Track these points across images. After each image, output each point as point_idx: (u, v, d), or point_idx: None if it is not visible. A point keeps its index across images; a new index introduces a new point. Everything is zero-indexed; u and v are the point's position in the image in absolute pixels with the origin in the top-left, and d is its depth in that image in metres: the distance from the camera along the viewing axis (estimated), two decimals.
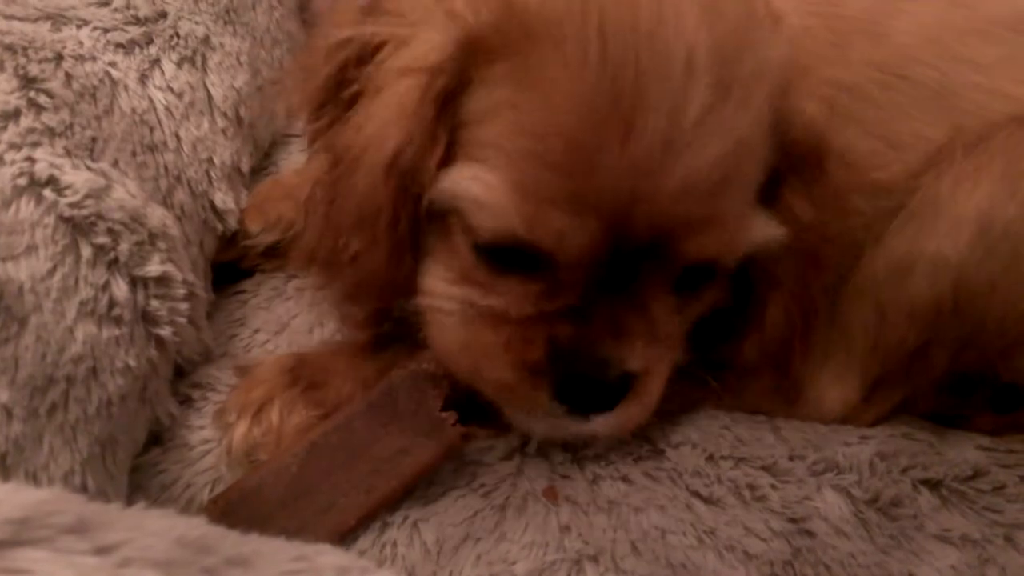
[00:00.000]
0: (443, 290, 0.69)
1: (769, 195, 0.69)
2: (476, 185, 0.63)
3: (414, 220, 0.68)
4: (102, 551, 0.39)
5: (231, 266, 0.92)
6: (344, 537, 0.69)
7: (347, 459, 0.70)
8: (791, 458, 0.77)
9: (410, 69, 0.65)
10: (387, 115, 0.65)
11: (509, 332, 0.67)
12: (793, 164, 0.69)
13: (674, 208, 0.62)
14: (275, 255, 0.93)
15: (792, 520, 0.73)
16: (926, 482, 0.77)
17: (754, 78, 0.63)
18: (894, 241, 0.75)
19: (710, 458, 0.77)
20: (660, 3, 0.61)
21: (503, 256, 0.65)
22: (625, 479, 0.75)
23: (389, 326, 0.77)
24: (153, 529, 0.42)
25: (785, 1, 0.77)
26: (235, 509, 0.68)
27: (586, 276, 0.64)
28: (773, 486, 0.75)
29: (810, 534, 0.72)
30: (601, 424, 0.68)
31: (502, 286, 0.66)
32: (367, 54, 0.67)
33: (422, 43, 0.65)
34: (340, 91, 0.69)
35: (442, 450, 0.71)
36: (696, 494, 0.75)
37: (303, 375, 0.76)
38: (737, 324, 0.76)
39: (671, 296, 0.68)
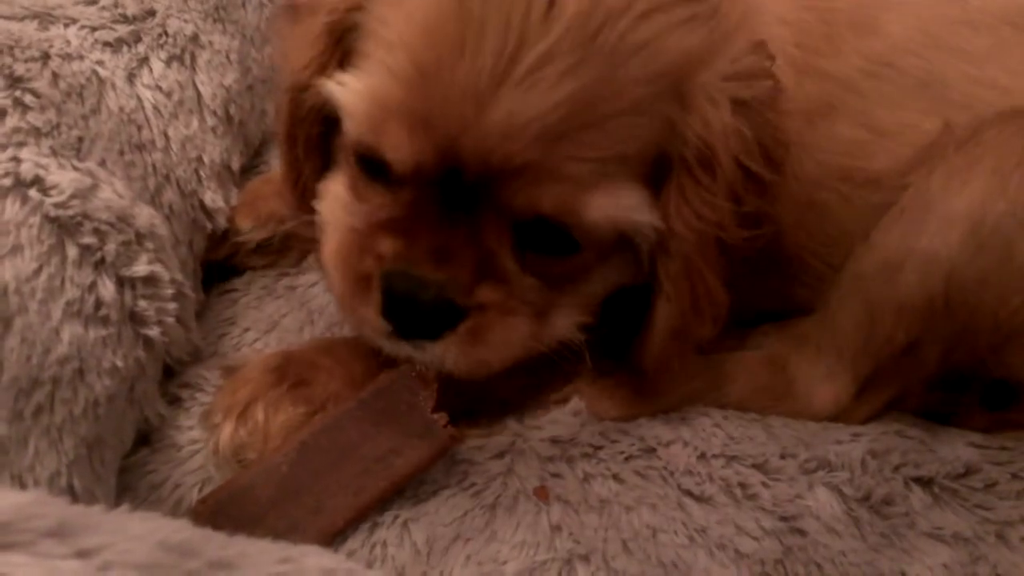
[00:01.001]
0: (332, 200, 0.73)
1: (657, 185, 0.68)
2: (341, 91, 0.66)
3: (320, 135, 0.74)
4: (83, 555, 0.39)
5: (221, 265, 0.91)
6: (333, 538, 0.69)
7: (337, 460, 0.70)
8: (782, 456, 0.77)
9: (320, 5, 0.71)
10: (295, 45, 0.73)
11: (354, 242, 0.69)
12: (683, 162, 0.67)
13: (500, 145, 0.61)
14: (266, 252, 0.93)
15: (783, 518, 0.73)
16: (918, 480, 0.76)
17: (634, 52, 0.62)
18: (884, 238, 0.75)
19: (701, 456, 0.77)
20: None
21: (369, 165, 0.68)
22: (616, 478, 0.75)
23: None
24: (135, 532, 0.42)
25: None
26: (224, 509, 0.68)
27: (420, 194, 0.65)
28: (764, 484, 0.75)
29: (801, 532, 0.72)
30: (430, 352, 0.68)
31: (367, 196, 0.69)
32: None
33: None
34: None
35: (433, 451, 0.71)
36: (687, 493, 0.74)
37: (289, 373, 0.76)
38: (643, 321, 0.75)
39: (509, 244, 0.67)
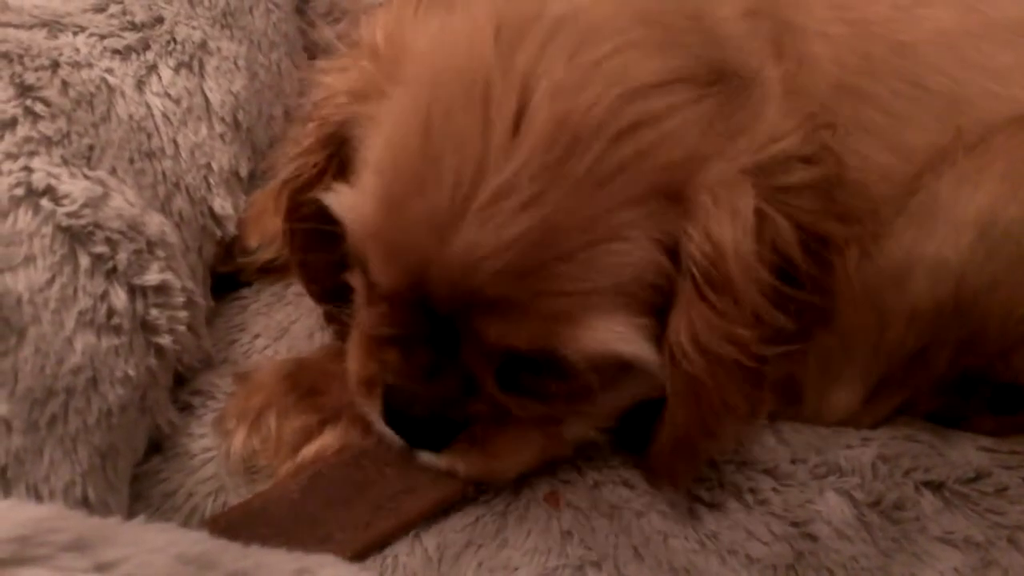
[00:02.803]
0: (358, 294, 0.72)
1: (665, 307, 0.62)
2: (337, 201, 0.64)
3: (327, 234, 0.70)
4: (102, 568, 0.39)
5: (230, 275, 0.92)
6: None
7: (350, 494, 0.70)
8: (793, 461, 0.77)
9: (318, 114, 0.70)
10: (292, 152, 0.73)
11: (365, 348, 0.70)
12: (690, 279, 0.60)
13: (462, 280, 0.58)
14: (272, 270, 0.92)
15: (794, 524, 0.73)
16: (928, 484, 0.76)
17: (611, 176, 0.57)
18: (894, 243, 0.74)
19: (712, 462, 0.77)
20: (511, 51, 0.57)
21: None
22: (627, 484, 0.75)
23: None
24: (154, 545, 0.42)
25: (815, 10, 0.75)
26: (235, 529, 0.67)
27: (409, 314, 0.64)
28: (775, 489, 0.75)
29: (812, 538, 0.72)
30: (430, 461, 0.70)
31: (373, 301, 0.69)
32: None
33: (326, 89, 0.70)
34: None
35: (446, 495, 0.71)
36: (698, 498, 0.74)
37: (302, 381, 0.76)
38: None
39: (491, 370, 0.64)
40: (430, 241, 0.58)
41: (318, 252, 0.75)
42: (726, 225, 0.58)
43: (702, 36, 0.63)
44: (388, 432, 0.70)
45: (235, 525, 0.68)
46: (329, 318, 0.83)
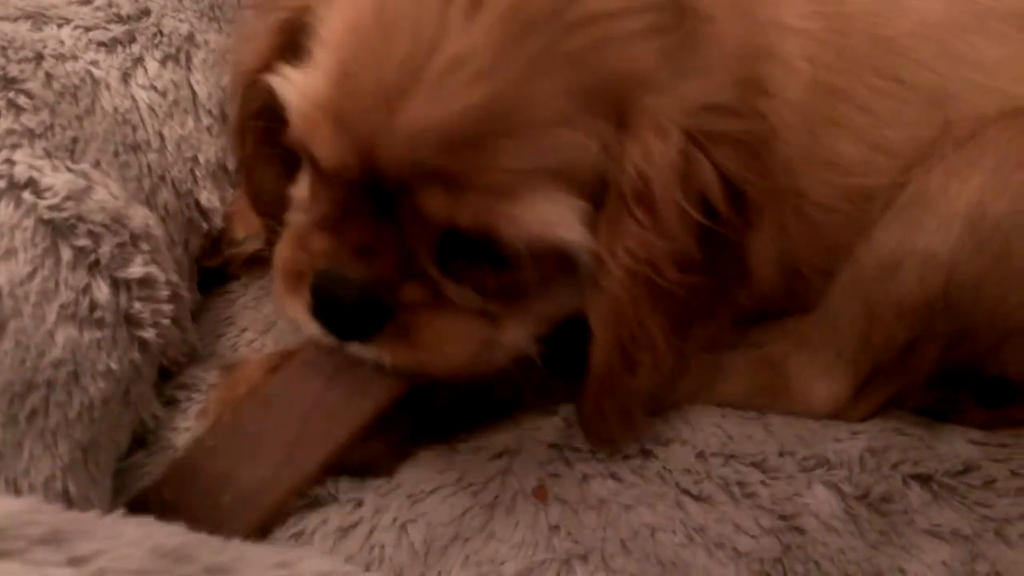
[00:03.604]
0: (296, 204, 0.73)
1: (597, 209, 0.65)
2: (283, 85, 0.65)
3: (276, 138, 0.70)
4: (76, 562, 0.39)
5: (218, 269, 0.91)
6: (307, 488, 0.70)
7: (300, 412, 0.69)
8: (781, 454, 0.77)
9: (275, 3, 0.71)
10: (250, 40, 0.73)
11: (295, 241, 0.70)
12: (618, 190, 0.63)
13: (409, 150, 0.60)
14: (260, 263, 0.91)
15: (782, 517, 0.73)
16: (917, 477, 0.76)
17: (563, 62, 0.60)
18: (883, 237, 0.74)
19: (700, 455, 0.77)
20: None
21: (313, 162, 0.67)
22: (615, 477, 0.75)
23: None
24: (130, 538, 0.42)
25: (793, 3, 0.76)
26: (193, 474, 0.67)
27: (349, 193, 0.65)
28: (763, 483, 0.75)
29: (800, 531, 0.72)
30: (360, 351, 0.68)
31: (315, 194, 0.69)
32: None
33: None
34: None
35: (392, 394, 0.70)
36: (686, 491, 0.74)
37: None
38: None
39: (431, 249, 0.65)
40: (379, 112, 0.59)
41: (267, 162, 0.77)
42: (658, 151, 0.61)
43: None
44: (314, 329, 0.68)
45: (191, 470, 0.68)
46: (269, 235, 0.82)
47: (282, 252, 0.70)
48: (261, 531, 0.67)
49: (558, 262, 0.66)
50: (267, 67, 0.69)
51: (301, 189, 0.73)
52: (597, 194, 0.64)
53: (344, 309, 0.66)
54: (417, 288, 0.66)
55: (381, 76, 0.59)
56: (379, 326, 0.66)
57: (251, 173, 0.80)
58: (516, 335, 0.70)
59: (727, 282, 0.70)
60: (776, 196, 0.69)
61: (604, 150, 0.62)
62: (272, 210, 0.78)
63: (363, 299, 0.65)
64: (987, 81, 0.75)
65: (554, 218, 0.62)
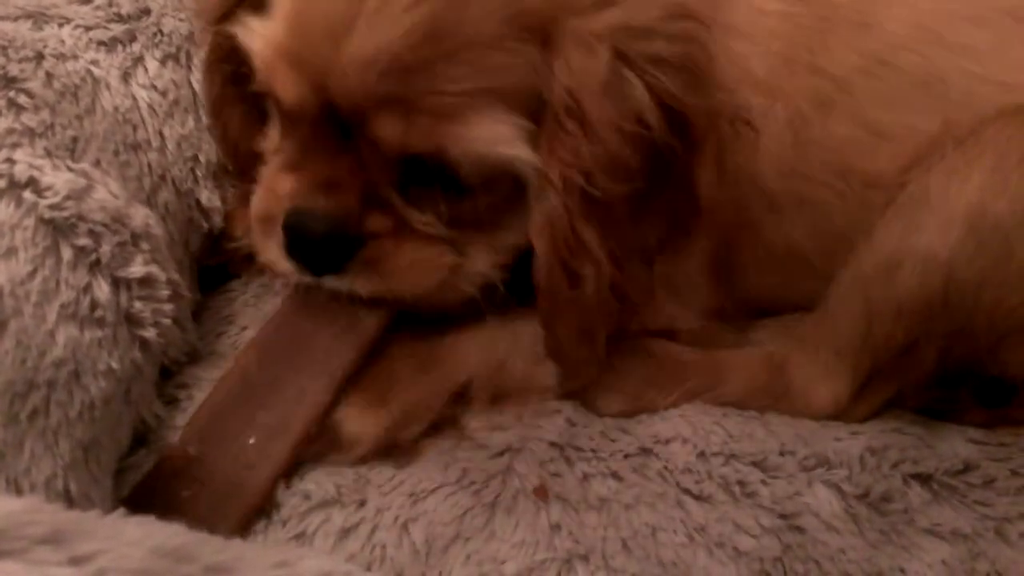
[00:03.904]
0: (268, 153, 0.77)
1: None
2: (247, 34, 0.70)
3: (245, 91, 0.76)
4: (77, 561, 0.39)
5: (219, 268, 0.91)
6: (323, 417, 0.72)
7: (299, 348, 0.73)
8: (781, 453, 0.77)
9: None
10: None
11: (266, 187, 0.73)
12: (552, 107, 0.67)
13: (358, 79, 0.64)
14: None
15: (782, 516, 0.73)
16: (916, 476, 0.76)
17: None
18: (883, 237, 0.75)
19: (701, 454, 0.77)
20: None
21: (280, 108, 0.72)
22: (615, 476, 0.75)
23: None
24: (130, 538, 0.42)
25: None
26: (211, 430, 0.70)
27: (310, 131, 0.69)
28: (763, 482, 0.75)
29: (800, 530, 0.72)
30: (334, 284, 0.72)
31: (283, 138, 0.73)
32: None
33: None
34: None
35: (382, 320, 0.74)
36: (686, 491, 0.74)
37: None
38: None
39: (392, 177, 0.69)
40: (328, 46, 0.64)
41: (234, 103, 0.81)
42: (582, 67, 0.65)
43: None
44: (289, 267, 0.72)
45: (209, 426, 0.71)
46: (242, 192, 0.85)
47: (256, 199, 0.74)
48: (288, 466, 0.71)
49: (512, 189, 0.70)
50: (231, 12, 0.73)
51: (272, 140, 0.76)
52: (537, 113, 0.67)
53: (313, 243, 0.70)
54: (382, 217, 0.70)
55: (328, 13, 0.64)
56: (348, 257, 0.70)
57: (219, 114, 0.83)
58: (481, 263, 0.74)
59: (673, 204, 0.73)
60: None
61: (536, 71, 0.66)
62: (243, 164, 0.82)
63: (330, 232, 0.69)
64: (979, 68, 0.76)
65: (497, 136, 0.66)
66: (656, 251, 0.76)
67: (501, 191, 0.71)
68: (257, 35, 0.69)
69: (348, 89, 0.64)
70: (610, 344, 0.77)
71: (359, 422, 0.74)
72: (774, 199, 0.80)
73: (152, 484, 0.69)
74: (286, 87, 0.67)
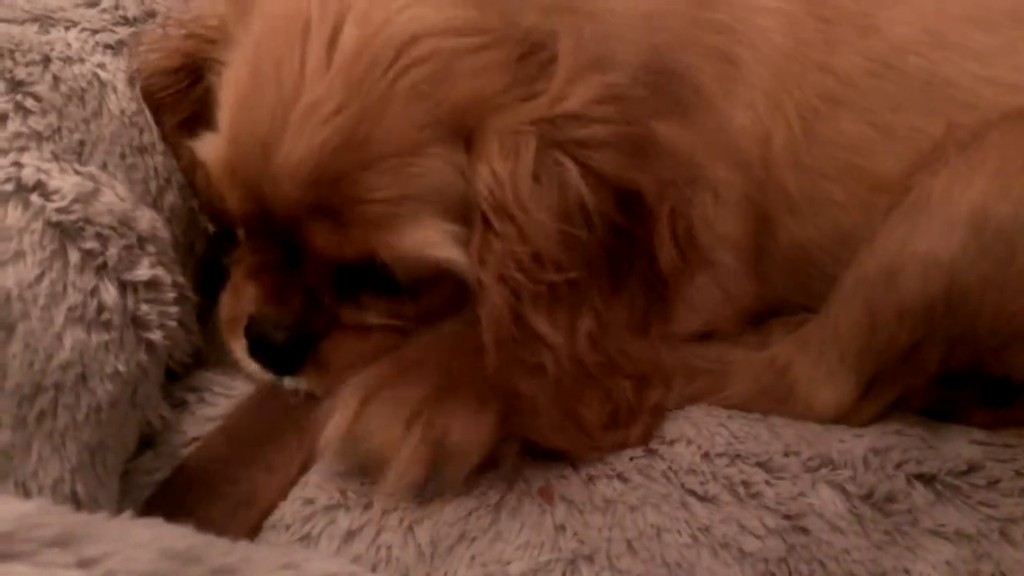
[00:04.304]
0: (235, 256, 0.80)
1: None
2: (200, 149, 0.73)
3: None
4: (85, 564, 0.39)
5: (224, 269, 0.91)
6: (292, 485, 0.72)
7: (267, 428, 0.75)
8: (786, 454, 0.77)
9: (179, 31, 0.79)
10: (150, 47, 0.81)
11: (232, 291, 0.78)
12: (481, 213, 0.68)
13: (285, 190, 0.66)
14: None
15: (787, 517, 0.73)
16: (920, 477, 0.76)
17: (406, 96, 0.65)
18: (886, 240, 0.75)
19: (705, 455, 0.77)
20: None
21: None
22: (620, 477, 0.75)
23: None
24: (138, 540, 0.42)
25: None
26: (181, 491, 0.71)
27: (264, 242, 0.73)
28: (768, 483, 0.75)
29: (805, 531, 0.72)
30: (293, 384, 0.75)
31: (245, 246, 0.77)
32: None
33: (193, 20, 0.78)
34: None
35: None
36: (691, 492, 0.74)
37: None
38: None
39: (328, 284, 0.72)
40: (259, 159, 0.67)
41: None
42: (505, 167, 0.66)
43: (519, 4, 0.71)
44: (254, 367, 0.76)
45: (178, 488, 0.71)
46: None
47: (223, 303, 0.78)
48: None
49: (456, 286, 0.71)
50: (173, 107, 0.80)
51: (239, 246, 0.79)
52: (468, 214, 0.69)
53: (269, 349, 0.74)
54: (324, 317, 0.73)
55: (256, 129, 0.67)
56: (300, 360, 0.74)
57: (176, 152, 0.83)
58: None
59: (633, 268, 0.74)
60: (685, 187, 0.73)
61: (463, 173, 0.67)
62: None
63: (282, 338, 0.73)
64: (983, 70, 0.76)
65: (426, 241, 0.68)
66: (644, 321, 0.76)
67: (446, 287, 0.72)
68: (208, 151, 0.71)
69: (280, 200, 0.67)
70: None
71: (468, 428, 0.70)
72: (791, 198, 0.81)
73: None
74: (231, 199, 0.71)
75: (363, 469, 0.71)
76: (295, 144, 0.65)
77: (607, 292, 0.72)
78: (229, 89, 0.70)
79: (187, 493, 0.70)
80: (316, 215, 0.67)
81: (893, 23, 0.79)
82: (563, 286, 0.69)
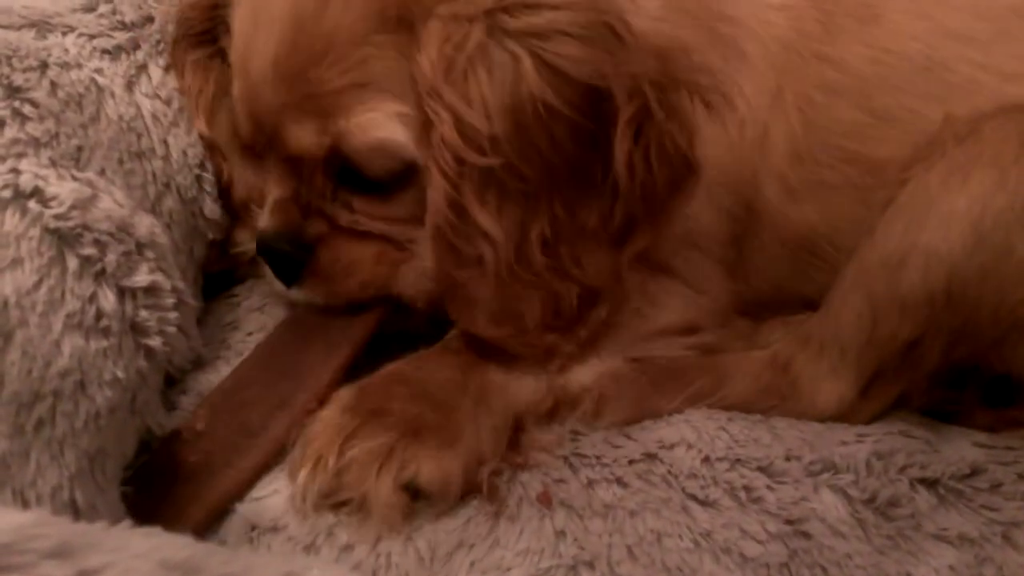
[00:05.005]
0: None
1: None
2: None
3: None
4: (84, 575, 0.39)
5: (223, 274, 0.91)
6: (327, 396, 0.74)
7: (302, 344, 0.79)
8: (787, 458, 0.77)
9: None
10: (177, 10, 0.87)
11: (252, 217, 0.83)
12: (423, 98, 0.69)
13: (262, 94, 0.72)
14: None
15: (789, 521, 0.72)
16: (923, 481, 0.76)
17: None
18: (885, 234, 0.75)
19: (706, 460, 0.76)
20: None
21: None
22: (620, 482, 0.75)
23: None
24: (138, 550, 0.42)
25: None
26: (221, 406, 0.76)
27: (268, 159, 0.77)
28: (769, 487, 0.75)
29: (807, 535, 0.72)
30: (297, 295, 0.79)
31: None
32: None
33: None
34: None
35: (375, 317, 0.80)
36: (692, 497, 0.74)
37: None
38: None
39: (325, 186, 0.75)
40: (250, 79, 0.73)
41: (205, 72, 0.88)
42: (447, 51, 0.66)
43: None
44: (278, 285, 0.80)
45: (220, 405, 0.76)
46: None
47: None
48: (286, 440, 0.73)
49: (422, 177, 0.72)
50: (198, 42, 0.84)
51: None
52: (416, 100, 0.69)
53: (273, 259, 0.78)
54: (321, 223, 0.77)
55: (245, 42, 0.73)
56: (299, 270, 0.77)
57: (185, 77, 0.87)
58: (426, 258, 0.74)
59: (588, 175, 0.71)
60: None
61: (406, 59, 0.69)
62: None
63: (282, 245, 0.77)
64: (980, 57, 0.77)
65: (372, 123, 0.70)
66: (615, 233, 0.73)
67: (420, 186, 0.72)
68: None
69: (263, 108, 0.73)
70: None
71: (437, 466, 0.69)
72: (788, 183, 0.81)
73: (162, 455, 0.72)
74: (245, 130, 0.77)
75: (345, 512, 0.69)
76: (264, 48, 0.71)
77: (572, 198, 0.70)
78: (235, 25, 0.76)
79: (226, 401, 0.76)
80: (286, 115, 0.71)
81: (893, 12, 0.80)
82: (513, 183, 0.68)
